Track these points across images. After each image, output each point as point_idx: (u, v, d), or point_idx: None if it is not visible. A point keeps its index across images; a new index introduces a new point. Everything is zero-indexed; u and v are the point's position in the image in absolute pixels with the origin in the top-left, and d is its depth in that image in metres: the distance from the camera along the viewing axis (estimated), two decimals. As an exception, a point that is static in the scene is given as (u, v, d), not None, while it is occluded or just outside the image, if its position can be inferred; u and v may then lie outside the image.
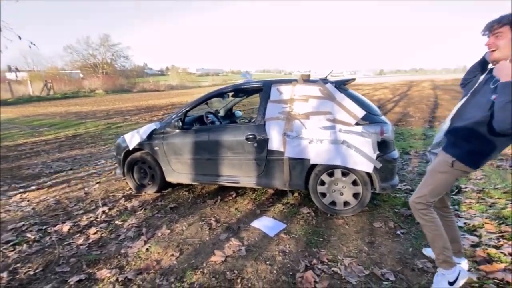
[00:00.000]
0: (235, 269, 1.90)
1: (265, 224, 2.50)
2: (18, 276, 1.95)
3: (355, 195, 2.53)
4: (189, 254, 2.12)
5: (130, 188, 3.42)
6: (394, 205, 2.71)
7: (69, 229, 2.55)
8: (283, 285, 1.76)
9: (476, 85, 1.48)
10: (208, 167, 2.98)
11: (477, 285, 1.66)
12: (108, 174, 4.18)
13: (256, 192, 3.19)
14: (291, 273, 1.85)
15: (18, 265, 2.07)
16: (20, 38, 3.70)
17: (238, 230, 2.42)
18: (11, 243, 2.35)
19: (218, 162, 2.91)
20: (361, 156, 2.39)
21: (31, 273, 1.98)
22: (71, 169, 4.55)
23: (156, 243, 2.26)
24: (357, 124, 2.43)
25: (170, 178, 3.18)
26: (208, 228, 2.48)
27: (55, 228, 2.58)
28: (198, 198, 3.15)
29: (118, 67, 37.28)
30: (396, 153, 2.54)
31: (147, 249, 2.19)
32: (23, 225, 2.66)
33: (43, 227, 2.61)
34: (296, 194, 3.07)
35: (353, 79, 2.94)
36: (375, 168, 2.37)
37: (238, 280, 1.79)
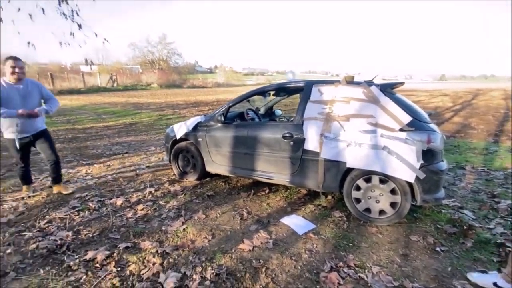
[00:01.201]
0: (261, 258, 1.99)
1: (294, 222, 2.53)
2: (80, 236, 2.32)
3: (393, 205, 2.41)
4: (220, 239, 2.27)
5: (174, 174, 3.74)
6: (437, 220, 2.51)
7: (122, 203, 2.92)
8: (306, 281, 1.79)
9: None
10: (245, 161, 3.12)
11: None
12: (157, 160, 4.62)
13: (289, 190, 3.24)
14: (315, 272, 1.87)
15: (81, 227, 2.46)
16: (96, 35, 4.28)
17: (268, 224, 2.50)
18: (76, 209, 2.79)
19: (254, 157, 3.03)
20: (403, 164, 2.27)
21: (90, 235, 2.33)
22: (126, 153, 5.13)
23: (192, 225, 2.47)
24: (401, 130, 2.31)
25: (210, 168, 3.40)
26: (239, 218, 2.61)
27: (111, 201, 2.97)
28: (233, 189, 3.31)
29: (172, 63, 40.20)
30: (444, 165, 2.35)
31: (184, 229, 2.41)
32: (86, 195, 3.12)
33: (102, 199, 3.03)
34: (329, 197, 3.03)
35: (401, 83, 2.78)
36: (417, 178, 2.24)
37: (263, 269, 1.88)
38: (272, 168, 2.96)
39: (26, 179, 3.12)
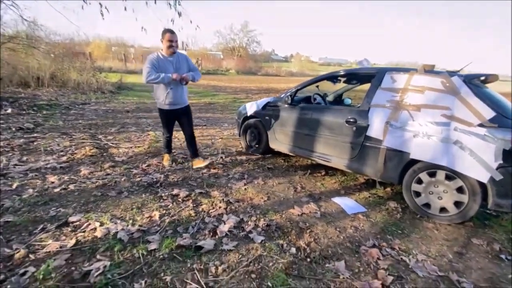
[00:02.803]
0: (307, 222, 2.23)
1: (345, 202, 2.65)
2: (168, 179, 2.99)
3: (457, 204, 2.26)
4: (274, 201, 2.60)
5: (242, 147, 4.23)
6: (514, 232, 2.24)
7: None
8: (346, 249, 1.95)
9: None
10: (306, 142, 3.31)
11: None
12: (229, 134, 5.23)
13: (346, 176, 3.31)
14: (357, 243, 2.00)
15: (169, 173, 3.15)
16: (191, 22, 5.05)
17: (319, 199, 2.70)
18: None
19: (315, 138, 3.19)
20: (476, 161, 2.10)
21: (175, 179, 2.99)
22: (205, 125, 5.96)
23: (252, 187, 2.87)
24: (481, 125, 2.13)
25: (273, 145, 3.73)
26: (293, 190, 2.88)
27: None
28: (291, 167, 3.58)
29: (250, 51, 42.06)
30: (531, 170, 2.06)
31: (245, 188, 2.83)
32: (174, 152, 3.89)
33: (185, 156, 3.73)
34: (388, 188, 2.98)
35: (495, 76, 2.47)
36: (492, 179, 2.05)
37: (307, 231, 2.12)
38: (331, 151, 3.07)
39: (169, 147, 3.44)
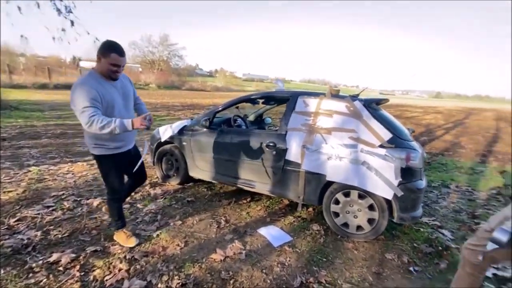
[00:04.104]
0: (230, 270, 1.94)
1: (271, 233, 2.50)
2: (48, 236, 2.25)
3: (370, 221, 2.39)
4: (193, 247, 2.22)
5: (157, 177, 3.68)
6: (415, 239, 2.49)
7: (98, 204, 2.85)
8: (274, 296, 1.74)
9: None
10: (228, 168, 3.08)
11: None
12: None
13: (270, 200, 3.20)
14: (284, 287, 1.82)
15: (51, 227, 2.38)
16: (88, 33, 4.28)
17: (244, 234, 2.46)
18: (50, 208, 2.71)
19: (237, 164, 3.00)
20: (381, 180, 2.26)
21: (59, 236, 2.26)
22: (113, 152, 5.06)
23: (166, 231, 2.41)
24: (381, 146, 2.31)
25: (193, 173, 3.36)
26: (216, 226, 2.56)
27: (87, 202, 2.90)
28: (214, 196, 3.27)
29: (172, 65, 40.30)
30: (422, 183, 2.34)
31: (157, 235, 2.35)
32: (63, 194, 3.05)
33: (78, 199, 2.96)
34: (310, 209, 3.00)
35: (386, 100, 2.80)
36: (395, 195, 2.23)
37: (231, 282, 1.83)
38: (254, 176, 2.93)
39: (122, 215, 2.27)
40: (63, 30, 4.12)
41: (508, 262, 1.25)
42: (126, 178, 2.26)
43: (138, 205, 2.90)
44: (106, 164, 2.04)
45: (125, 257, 2.01)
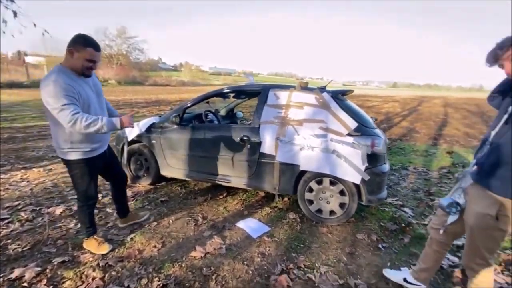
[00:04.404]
0: (212, 265, 1.94)
1: (249, 225, 2.53)
2: (6, 252, 2.04)
3: (341, 205, 2.54)
4: (171, 247, 2.17)
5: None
6: (381, 218, 2.71)
7: (61, 212, 2.64)
8: (257, 285, 1.79)
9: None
10: (202, 164, 3.04)
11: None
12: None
13: (247, 193, 3.23)
14: (266, 275, 1.88)
15: (8, 241, 2.16)
16: (35, 25, 3.84)
17: (223, 229, 2.46)
18: (5, 221, 2.45)
19: (211, 160, 2.97)
20: (350, 166, 2.40)
21: (19, 250, 2.06)
22: (73, 155, 4.68)
23: (141, 234, 2.33)
24: (349, 135, 2.45)
25: (165, 172, 3.25)
26: (194, 224, 2.53)
27: (48, 210, 2.67)
28: (189, 194, 3.21)
29: (132, 59, 37.90)
30: (386, 167, 2.54)
31: (131, 238, 2.26)
32: (19, 204, 2.77)
33: (37, 208, 2.70)
34: (285, 199, 3.09)
35: (351, 91, 2.95)
36: (363, 180, 2.39)
37: (213, 277, 1.83)
38: (230, 171, 2.93)
39: (93, 222, 2.13)
40: (4, 22, 3.63)
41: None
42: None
43: (108, 210, 2.74)
44: (80, 169, 1.87)
45: (98, 264, 1.90)
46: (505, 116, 1.24)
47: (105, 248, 2.06)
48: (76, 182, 1.93)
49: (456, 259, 2.06)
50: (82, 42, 1.68)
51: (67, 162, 1.87)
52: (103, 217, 2.61)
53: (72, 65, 1.71)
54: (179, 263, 1.96)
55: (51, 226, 2.41)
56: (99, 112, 1.86)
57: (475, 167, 1.33)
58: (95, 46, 1.72)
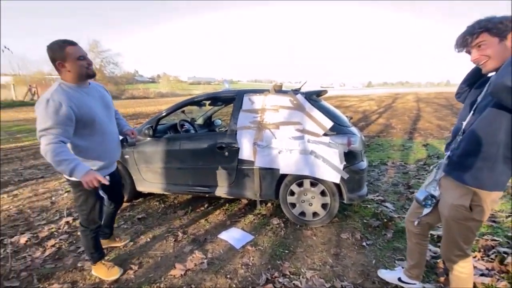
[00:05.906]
0: (193, 283, 1.84)
1: (232, 235, 2.44)
2: (-41, 292, 1.82)
3: (324, 206, 2.52)
4: (148, 267, 2.03)
5: (100, 198, 3.29)
6: (364, 215, 2.71)
7: (27, 241, 2.42)
8: (241, 300, 1.70)
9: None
10: (179, 176, 2.92)
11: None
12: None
13: (229, 202, 3.14)
14: (250, 287, 1.79)
15: (-38, 280, 1.93)
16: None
17: (204, 242, 2.35)
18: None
19: (189, 171, 2.86)
20: (329, 166, 2.39)
21: (-25, 289, 1.85)
22: (42, 177, 4.38)
23: (115, 256, 2.17)
24: (325, 134, 2.44)
25: (141, 187, 3.09)
26: (173, 240, 2.40)
27: (12, 240, 2.44)
28: (168, 208, 3.07)
29: (107, 73, 36.82)
30: (364, 164, 2.55)
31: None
32: (-23, 236, 2.51)
33: (-1, 239, 2.47)
34: (268, 204, 3.03)
35: (325, 91, 2.97)
36: (342, 178, 2.38)
37: (195, 295, 1.73)
38: (209, 181, 2.83)
39: (100, 246, 2.00)
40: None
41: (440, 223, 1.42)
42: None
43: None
44: (86, 190, 1.63)
45: (66, 296, 1.74)
46: (474, 107, 1.25)
47: (116, 272, 1.92)
48: (80, 205, 1.77)
49: (438, 250, 2.07)
50: (58, 49, 1.53)
51: (72, 182, 1.70)
52: (74, 242, 2.42)
53: (72, 75, 1.59)
54: (157, 284, 1.83)
55: (15, 257, 2.19)
56: (106, 124, 1.75)
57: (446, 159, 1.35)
58: (71, 42, 1.58)
